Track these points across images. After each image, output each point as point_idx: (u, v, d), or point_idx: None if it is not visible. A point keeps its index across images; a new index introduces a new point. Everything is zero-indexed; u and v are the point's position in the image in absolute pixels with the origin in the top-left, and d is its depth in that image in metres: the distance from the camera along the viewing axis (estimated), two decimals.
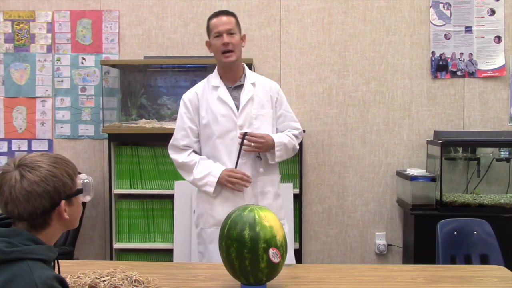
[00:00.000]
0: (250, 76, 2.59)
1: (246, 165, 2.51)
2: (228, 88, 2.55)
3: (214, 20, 2.51)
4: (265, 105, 2.56)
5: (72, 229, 1.91)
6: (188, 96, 2.59)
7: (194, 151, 2.57)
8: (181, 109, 2.58)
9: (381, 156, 3.85)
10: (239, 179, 2.45)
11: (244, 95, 2.53)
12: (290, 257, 2.58)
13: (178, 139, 2.57)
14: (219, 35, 2.48)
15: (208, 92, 2.55)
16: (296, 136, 2.64)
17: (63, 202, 1.39)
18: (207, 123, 2.52)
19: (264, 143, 2.46)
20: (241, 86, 2.56)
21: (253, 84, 2.57)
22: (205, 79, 2.62)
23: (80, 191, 1.45)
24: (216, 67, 2.62)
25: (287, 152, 2.58)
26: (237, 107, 2.52)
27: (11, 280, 1.24)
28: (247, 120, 2.51)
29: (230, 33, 2.48)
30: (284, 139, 2.55)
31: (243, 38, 2.58)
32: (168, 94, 3.90)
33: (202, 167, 2.50)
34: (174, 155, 2.58)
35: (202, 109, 2.53)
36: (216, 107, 2.51)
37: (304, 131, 2.87)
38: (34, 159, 1.39)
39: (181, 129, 2.57)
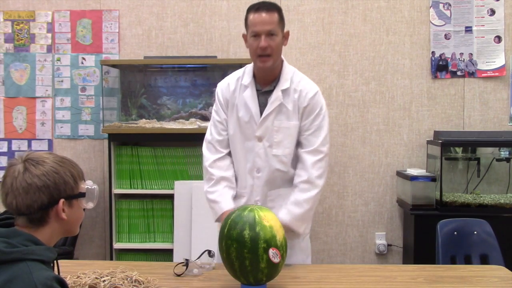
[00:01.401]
0: (285, 80, 2.24)
1: (260, 180, 2.27)
2: (258, 90, 2.26)
3: (253, 16, 2.17)
4: (292, 117, 2.23)
5: None
6: (221, 90, 2.33)
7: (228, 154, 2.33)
8: (216, 102, 2.35)
9: (381, 156, 3.85)
10: None
11: (270, 103, 2.22)
12: (306, 257, 2.39)
13: (213, 133, 2.32)
14: (256, 35, 2.15)
15: (238, 90, 2.28)
16: (308, 192, 2.20)
17: (62, 201, 1.39)
18: (232, 123, 2.30)
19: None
20: (271, 91, 2.24)
21: (285, 91, 2.22)
22: (242, 69, 2.33)
23: (82, 195, 1.45)
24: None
25: (307, 218, 2.23)
26: (262, 115, 2.23)
27: (11, 280, 1.24)
28: (267, 132, 2.23)
29: (270, 34, 2.14)
30: (305, 207, 2.19)
31: (286, 36, 2.25)
32: (168, 94, 3.90)
33: (219, 192, 2.25)
34: (206, 153, 2.32)
35: (231, 104, 2.30)
36: (241, 109, 2.26)
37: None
38: (41, 155, 1.41)
39: (214, 124, 2.33)
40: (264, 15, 2.14)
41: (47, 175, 1.36)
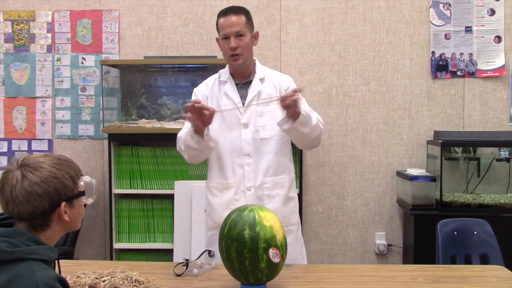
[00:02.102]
0: (260, 71, 2.44)
1: (250, 166, 2.36)
2: (237, 84, 2.42)
3: (222, 20, 2.34)
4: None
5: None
6: (199, 89, 2.48)
7: None
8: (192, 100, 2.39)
9: (381, 156, 3.85)
10: (190, 107, 2.17)
11: (250, 91, 2.39)
12: (302, 256, 2.45)
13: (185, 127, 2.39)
14: (226, 37, 2.32)
15: (217, 86, 2.44)
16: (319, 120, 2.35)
17: (63, 204, 1.38)
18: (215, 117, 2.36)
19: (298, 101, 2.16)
20: (250, 83, 2.42)
21: (262, 79, 2.42)
22: (217, 73, 2.50)
23: (82, 194, 1.45)
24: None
25: (310, 124, 2.27)
26: (244, 105, 2.38)
27: (13, 280, 1.24)
28: (252, 117, 2.37)
29: (238, 35, 2.31)
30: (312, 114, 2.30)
31: (255, 36, 2.41)
32: (168, 94, 3.90)
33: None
34: (178, 142, 2.40)
35: (210, 101, 2.41)
36: (222, 102, 2.39)
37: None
38: (37, 159, 1.39)
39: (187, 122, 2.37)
40: (233, 18, 2.33)
41: (47, 181, 1.36)
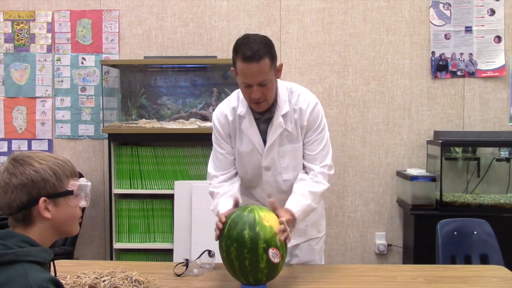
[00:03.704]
0: (282, 103, 2.11)
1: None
2: (256, 119, 2.14)
3: (243, 66, 1.96)
4: (296, 139, 2.15)
5: None
6: (218, 118, 2.20)
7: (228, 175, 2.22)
8: (214, 134, 2.23)
9: (381, 156, 3.85)
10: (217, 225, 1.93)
11: (272, 131, 2.12)
12: (320, 258, 2.38)
13: (211, 168, 2.24)
14: (248, 86, 1.99)
15: (236, 120, 2.16)
16: (318, 193, 2.11)
17: (42, 199, 1.35)
18: (236, 154, 2.21)
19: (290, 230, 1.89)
20: (271, 118, 2.12)
21: (285, 115, 2.11)
22: (235, 96, 2.19)
23: (69, 193, 1.40)
24: None
25: (311, 211, 2.12)
26: (265, 143, 2.14)
27: (6, 283, 1.23)
28: (273, 161, 2.16)
29: (263, 84, 1.98)
30: (304, 204, 2.05)
31: (279, 69, 2.07)
32: (168, 94, 3.90)
33: (215, 202, 2.16)
34: (208, 179, 2.25)
35: (233, 136, 2.19)
36: (241, 141, 2.17)
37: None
38: (26, 154, 1.39)
39: (217, 157, 2.23)
40: (255, 67, 1.94)
41: (24, 173, 1.34)
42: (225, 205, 2.05)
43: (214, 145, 2.24)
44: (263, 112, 2.12)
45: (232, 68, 2.07)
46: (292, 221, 1.95)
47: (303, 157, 2.18)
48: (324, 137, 2.17)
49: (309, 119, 2.13)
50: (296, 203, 2.03)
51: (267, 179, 2.19)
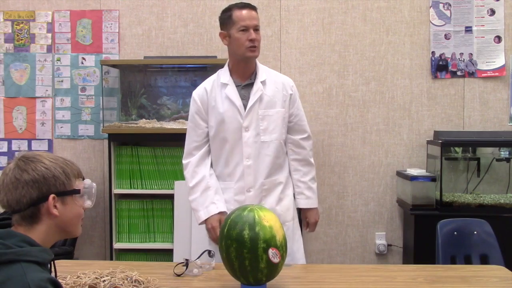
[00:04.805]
0: (261, 73, 2.47)
1: (250, 169, 2.42)
2: (237, 86, 2.44)
3: (241, 13, 2.38)
4: (275, 105, 2.44)
5: None
6: (198, 93, 2.48)
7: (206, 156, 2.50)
8: (192, 108, 2.48)
9: (381, 156, 3.85)
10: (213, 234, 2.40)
11: (252, 94, 2.42)
12: (301, 256, 2.53)
13: (190, 147, 2.48)
14: (245, 29, 2.36)
15: (217, 89, 2.45)
16: (310, 163, 2.59)
17: (52, 196, 1.37)
18: (215, 122, 2.43)
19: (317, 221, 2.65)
20: (251, 85, 2.44)
21: (264, 82, 2.44)
22: (215, 74, 2.51)
23: (76, 192, 1.43)
24: (227, 62, 2.50)
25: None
26: (245, 107, 2.41)
27: (4, 282, 1.23)
28: (253, 121, 2.41)
29: (256, 29, 2.39)
30: (314, 186, 2.61)
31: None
32: (168, 94, 3.90)
33: (203, 197, 2.42)
34: (186, 172, 2.47)
35: (210, 107, 2.44)
36: (224, 106, 2.41)
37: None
38: (35, 153, 1.41)
39: (194, 133, 2.47)
40: (252, 12, 2.40)
41: (36, 170, 1.36)
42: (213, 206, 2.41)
43: (192, 119, 2.48)
44: (244, 79, 2.44)
45: (220, 31, 2.46)
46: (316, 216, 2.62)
47: (290, 131, 2.52)
48: (303, 113, 2.58)
49: (292, 91, 2.51)
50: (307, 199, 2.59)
51: (247, 140, 2.41)
